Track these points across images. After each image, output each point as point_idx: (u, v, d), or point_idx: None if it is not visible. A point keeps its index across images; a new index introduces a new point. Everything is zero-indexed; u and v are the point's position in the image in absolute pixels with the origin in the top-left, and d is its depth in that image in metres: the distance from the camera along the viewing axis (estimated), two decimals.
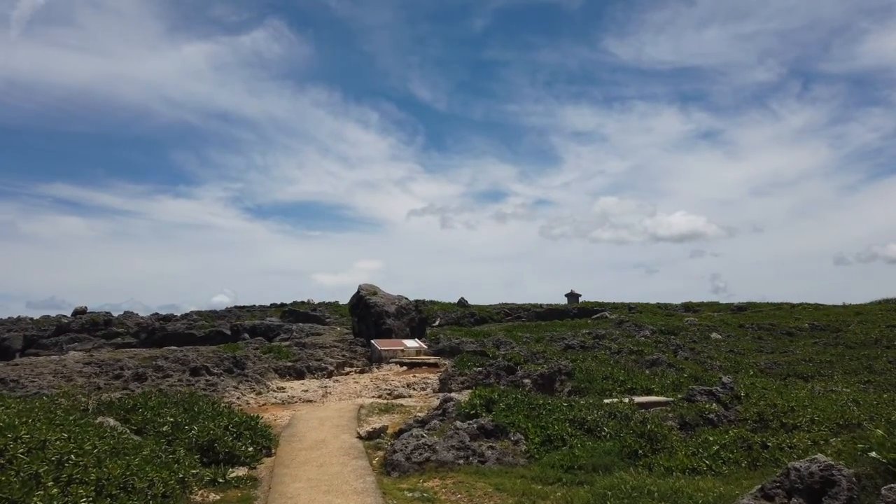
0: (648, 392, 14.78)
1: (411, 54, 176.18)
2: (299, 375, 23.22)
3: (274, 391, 19.90)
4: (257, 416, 12.00)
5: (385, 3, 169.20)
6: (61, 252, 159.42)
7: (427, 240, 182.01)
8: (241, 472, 9.53)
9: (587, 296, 58.53)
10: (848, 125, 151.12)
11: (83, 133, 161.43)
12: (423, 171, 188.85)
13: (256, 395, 19.08)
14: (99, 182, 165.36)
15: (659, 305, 53.98)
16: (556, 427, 10.61)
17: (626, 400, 12.54)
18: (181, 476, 7.88)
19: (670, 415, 11.54)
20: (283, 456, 10.40)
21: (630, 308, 50.47)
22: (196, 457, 9.33)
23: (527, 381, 16.38)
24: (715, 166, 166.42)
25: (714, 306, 53.25)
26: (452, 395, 15.38)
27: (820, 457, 6.10)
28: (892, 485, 5.20)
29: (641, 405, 12.28)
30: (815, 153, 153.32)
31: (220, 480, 8.93)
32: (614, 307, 51.13)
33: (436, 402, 14.29)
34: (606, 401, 12.66)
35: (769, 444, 9.33)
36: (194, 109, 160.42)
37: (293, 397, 18.69)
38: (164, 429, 10.16)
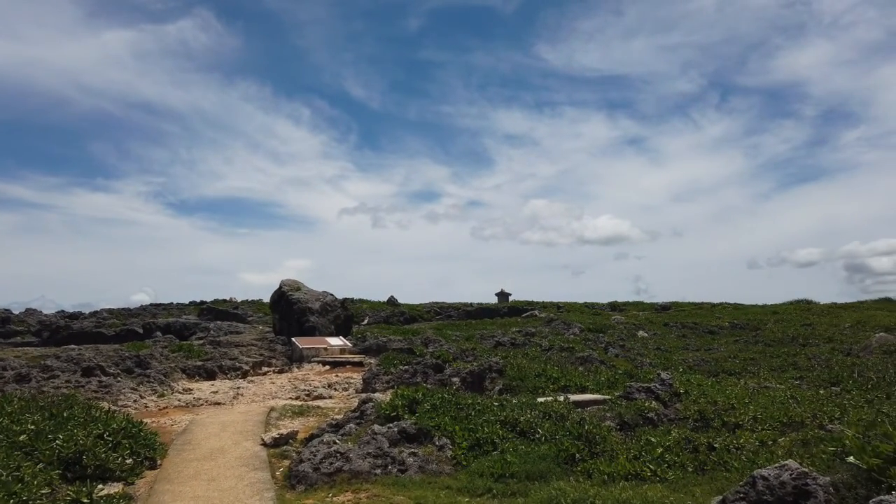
0: (583, 390, 14.01)
1: (345, 51, 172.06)
2: (210, 376, 21.35)
3: (179, 393, 18.07)
4: (141, 423, 10.35)
5: None
6: None
7: (358, 239, 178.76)
8: (114, 489, 7.97)
9: (517, 295, 58.53)
10: (762, 136, 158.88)
11: None
12: (356, 169, 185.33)
13: (158, 397, 17.24)
14: (8, 173, 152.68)
15: (586, 305, 54.36)
16: (486, 429, 9.56)
17: (562, 398, 11.63)
18: (24, 498, 6.32)
19: (608, 414, 10.72)
20: (170, 468, 8.87)
21: (559, 307, 50.58)
22: (57, 472, 7.73)
23: (455, 379, 15.35)
24: (639, 172, 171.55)
25: (639, 305, 54.15)
26: (374, 395, 14.15)
27: (791, 463, 5.25)
28: (883, 497, 4.36)
29: (577, 404, 11.42)
30: (731, 162, 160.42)
31: (86, 500, 7.34)
32: (543, 306, 51.12)
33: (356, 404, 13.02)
34: (540, 399, 11.74)
35: (716, 445, 8.57)
36: (114, 98, 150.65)
37: (199, 399, 16.95)
38: (21, 439, 8.44)
